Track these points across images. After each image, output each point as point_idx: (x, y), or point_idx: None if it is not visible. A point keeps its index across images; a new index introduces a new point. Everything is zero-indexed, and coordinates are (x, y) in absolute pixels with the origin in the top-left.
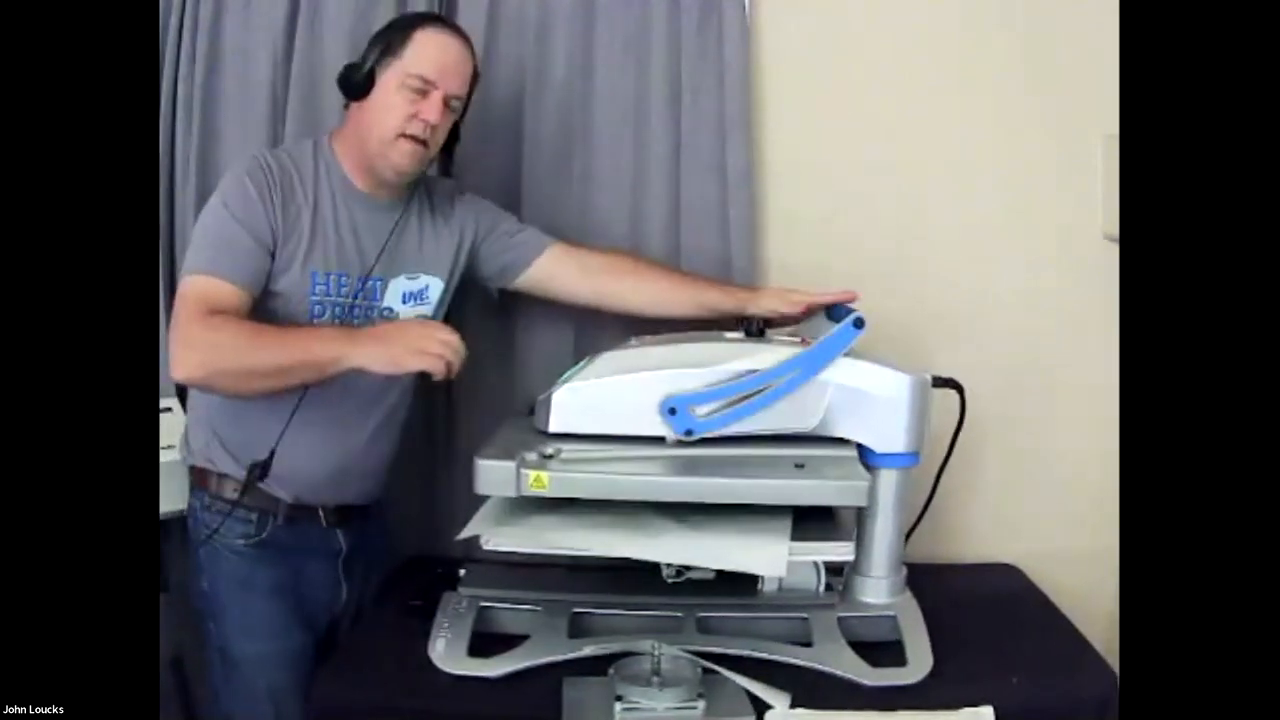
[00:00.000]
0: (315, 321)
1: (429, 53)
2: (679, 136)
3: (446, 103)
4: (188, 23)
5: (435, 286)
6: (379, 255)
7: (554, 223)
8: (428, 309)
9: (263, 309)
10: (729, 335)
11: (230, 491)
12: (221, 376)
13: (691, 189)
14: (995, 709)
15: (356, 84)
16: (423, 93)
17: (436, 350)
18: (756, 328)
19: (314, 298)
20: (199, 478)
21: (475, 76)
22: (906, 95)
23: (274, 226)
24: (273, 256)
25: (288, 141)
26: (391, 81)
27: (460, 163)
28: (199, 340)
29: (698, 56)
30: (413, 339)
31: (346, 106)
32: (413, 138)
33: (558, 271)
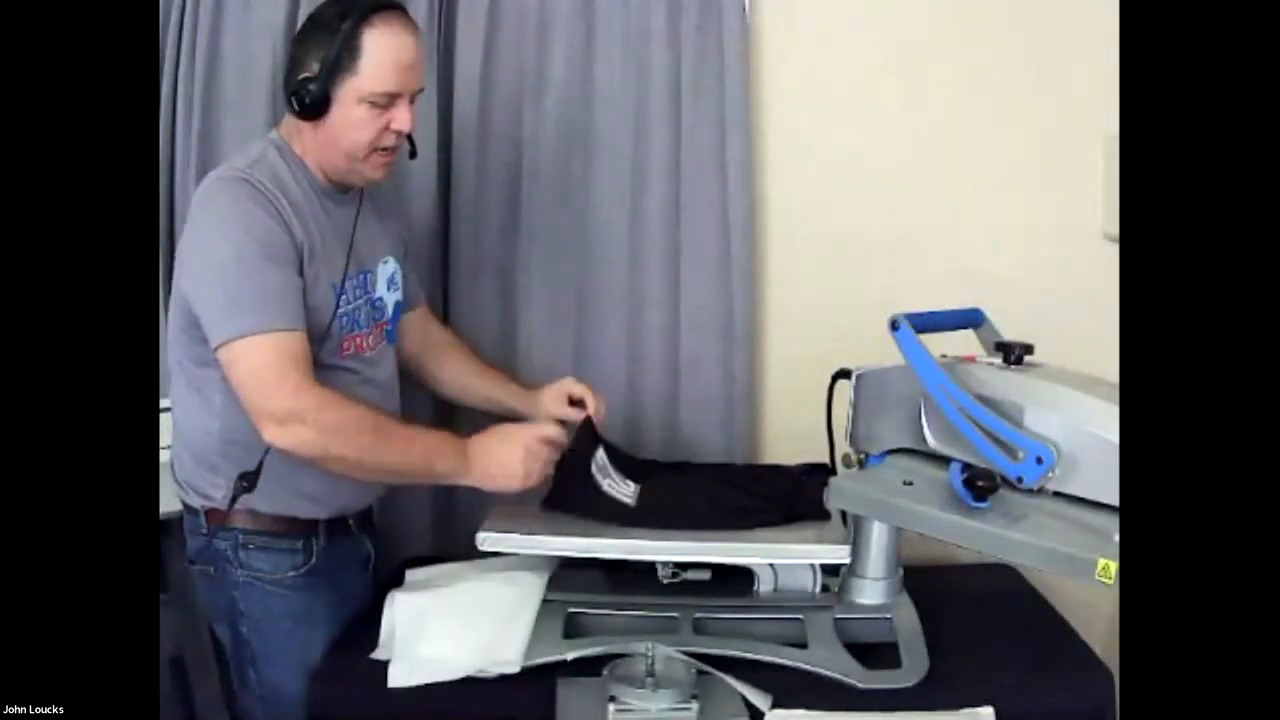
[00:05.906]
0: (343, 336)
1: (385, 65)
2: (679, 136)
3: (413, 100)
4: (188, 23)
5: (397, 269)
6: (353, 247)
7: (554, 223)
8: (398, 293)
9: None
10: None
11: (264, 524)
12: (332, 461)
13: (691, 188)
14: (994, 711)
15: (312, 105)
16: (388, 105)
17: (538, 472)
18: (1016, 356)
19: (340, 309)
20: (219, 518)
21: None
22: (906, 95)
23: (298, 248)
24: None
25: None
26: (350, 98)
27: (459, 163)
28: (314, 416)
29: (698, 56)
30: (516, 463)
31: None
32: (387, 149)
33: (407, 332)
